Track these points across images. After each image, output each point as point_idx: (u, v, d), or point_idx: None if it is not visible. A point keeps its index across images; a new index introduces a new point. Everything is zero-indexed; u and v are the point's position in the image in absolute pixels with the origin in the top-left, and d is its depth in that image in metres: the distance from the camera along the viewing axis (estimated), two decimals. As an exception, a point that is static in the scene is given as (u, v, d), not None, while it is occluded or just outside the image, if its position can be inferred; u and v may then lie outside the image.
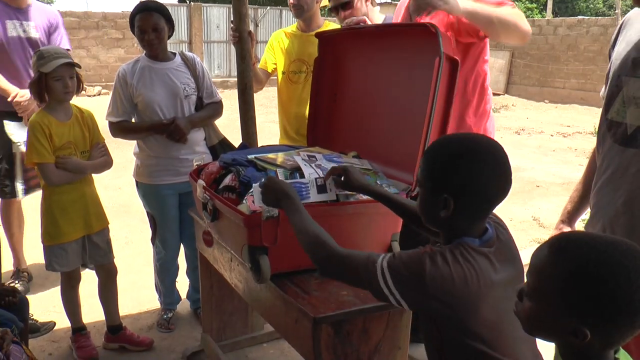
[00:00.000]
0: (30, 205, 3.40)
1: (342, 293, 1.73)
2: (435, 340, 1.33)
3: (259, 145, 2.84)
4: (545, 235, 4.26)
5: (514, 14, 2.26)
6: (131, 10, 2.83)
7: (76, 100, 2.72)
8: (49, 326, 2.99)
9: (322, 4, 3.14)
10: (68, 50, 3.07)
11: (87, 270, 3.14)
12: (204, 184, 2.04)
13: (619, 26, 1.64)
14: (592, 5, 29.95)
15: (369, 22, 2.67)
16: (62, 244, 2.62)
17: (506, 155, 1.30)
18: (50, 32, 3.38)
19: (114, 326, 2.85)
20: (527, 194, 5.94)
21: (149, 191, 2.94)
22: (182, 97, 2.85)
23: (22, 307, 2.35)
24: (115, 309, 2.87)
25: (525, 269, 1.09)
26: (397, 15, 2.64)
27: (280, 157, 2.10)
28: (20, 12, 3.27)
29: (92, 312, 3.01)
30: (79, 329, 2.80)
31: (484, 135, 1.43)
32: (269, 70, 3.19)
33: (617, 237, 1.03)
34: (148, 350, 2.85)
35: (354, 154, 2.26)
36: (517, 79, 15.25)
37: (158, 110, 2.81)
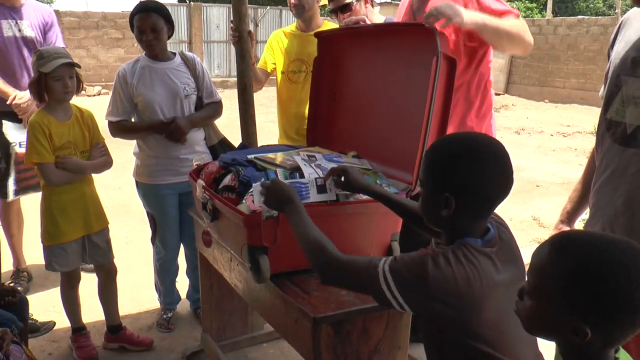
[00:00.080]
0: (30, 205, 3.40)
1: (342, 293, 1.73)
2: (436, 340, 1.32)
3: (259, 145, 2.84)
4: (545, 235, 4.25)
5: (519, 26, 2.29)
6: (131, 10, 2.83)
7: (76, 100, 2.72)
8: (49, 326, 2.99)
9: (321, 3, 3.14)
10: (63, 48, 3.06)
11: (86, 271, 3.16)
12: (204, 184, 2.04)
13: (617, 26, 1.64)
14: (592, 5, 29.94)
15: (368, 22, 2.67)
16: (61, 243, 2.62)
17: (507, 154, 1.30)
18: (45, 30, 3.38)
19: (114, 326, 2.85)
20: (527, 194, 5.94)
21: (148, 191, 2.94)
22: (182, 97, 2.84)
23: (21, 307, 2.35)
24: (115, 308, 2.87)
25: (526, 269, 1.09)
26: (402, 14, 2.64)
27: (279, 156, 2.10)
28: (15, 11, 3.26)
29: (92, 312, 3.01)
30: (78, 328, 2.80)
31: (485, 134, 1.44)
32: (268, 70, 3.19)
33: (617, 236, 1.03)
34: (148, 350, 2.85)
35: (353, 154, 2.26)
36: (517, 78, 15.25)
37: (158, 110, 2.81)
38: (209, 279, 2.65)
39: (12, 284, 3.15)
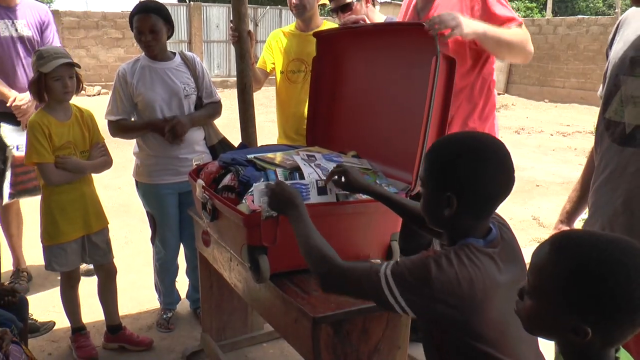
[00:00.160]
0: (30, 205, 3.40)
1: (341, 293, 1.73)
2: (436, 340, 1.32)
3: (259, 144, 2.84)
4: (545, 234, 4.26)
5: (521, 35, 2.29)
6: (131, 9, 2.83)
7: (76, 100, 2.72)
8: (49, 326, 2.99)
9: (320, 2, 3.14)
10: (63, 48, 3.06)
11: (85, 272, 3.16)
12: (203, 184, 2.04)
13: (616, 25, 1.64)
14: (591, 5, 29.93)
15: (368, 21, 2.67)
16: (61, 243, 2.61)
17: (508, 153, 1.30)
18: (42, 29, 3.37)
19: (114, 326, 2.85)
20: (526, 194, 5.94)
21: (148, 191, 2.94)
22: (182, 96, 2.84)
23: (21, 307, 2.35)
24: (114, 308, 2.87)
25: (526, 268, 1.09)
26: (403, 13, 2.62)
27: (279, 156, 2.10)
28: (11, 11, 3.26)
29: (92, 312, 3.01)
30: (78, 328, 2.80)
31: (486, 134, 1.43)
32: (267, 70, 3.19)
33: (617, 235, 1.03)
34: (148, 350, 2.85)
35: (353, 154, 2.26)
36: (517, 78, 15.26)
37: (158, 109, 2.81)
38: (209, 278, 2.65)
39: (11, 284, 3.16)
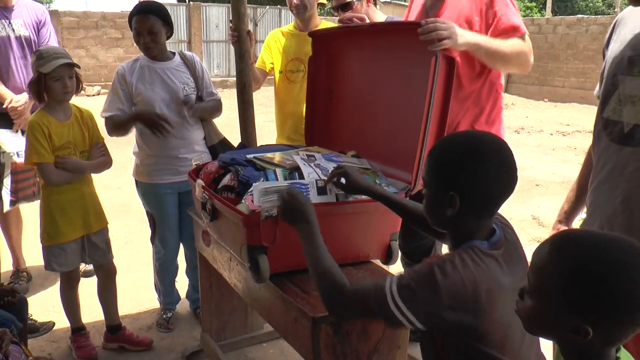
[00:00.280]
0: (29, 205, 3.39)
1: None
2: (436, 341, 1.32)
3: (258, 144, 2.84)
4: (545, 234, 4.26)
5: (520, 47, 2.23)
6: (130, 10, 2.83)
7: (75, 100, 2.72)
8: (48, 326, 2.99)
9: (320, 2, 3.14)
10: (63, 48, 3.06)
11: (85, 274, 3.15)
12: (203, 184, 2.04)
13: (612, 25, 1.64)
14: (591, 4, 29.95)
15: (367, 20, 2.66)
16: (61, 244, 2.61)
17: (511, 152, 1.30)
18: (38, 28, 3.36)
19: (113, 326, 2.85)
20: (526, 193, 5.94)
21: (148, 190, 2.94)
22: (182, 96, 2.84)
23: (21, 307, 2.35)
24: (114, 308, 2.87)
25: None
26: (411, 11, 2.59)
27: (278, 156, 2.09)
28: (7, 11, 3.25)
29: (92, 312, 3.01)
30: (78, 329, 2.80)
31: (488, 133, 1.43)
32: (266, 70, 3.19)
33: (617, 235, 1.04)
34: (147, 350, 2.85)
35: (352, 153, 2.26)
36: (517, 77, 15.25)
37: (158, 109, 2.80)
38: (209, 278, 2.65)
39: (11, 284, 3.16)
